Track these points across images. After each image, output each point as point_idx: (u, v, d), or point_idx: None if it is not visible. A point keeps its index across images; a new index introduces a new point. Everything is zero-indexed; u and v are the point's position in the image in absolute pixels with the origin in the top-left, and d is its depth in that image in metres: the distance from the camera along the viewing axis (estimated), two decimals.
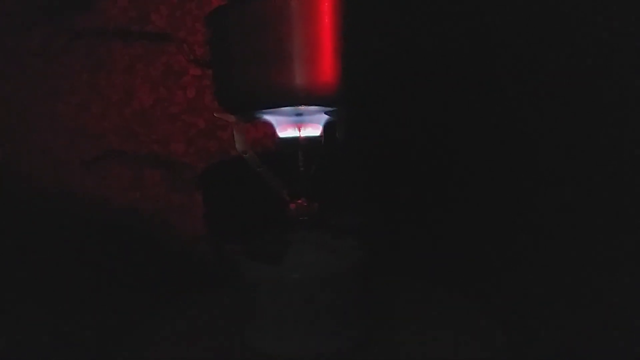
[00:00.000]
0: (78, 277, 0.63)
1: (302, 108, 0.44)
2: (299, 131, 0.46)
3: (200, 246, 0.70)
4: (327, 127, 0.47)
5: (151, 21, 0.66)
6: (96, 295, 0.61)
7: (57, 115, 0.66)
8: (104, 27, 0.65)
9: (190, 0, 0.66)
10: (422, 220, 0.60)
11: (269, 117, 0.46)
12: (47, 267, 0.62)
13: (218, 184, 0.70)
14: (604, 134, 0.51)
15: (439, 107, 0.59)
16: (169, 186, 0.70)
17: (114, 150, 0.68)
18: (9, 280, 0.59)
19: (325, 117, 0.46)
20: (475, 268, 0.57)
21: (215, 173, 0.70)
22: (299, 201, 0.46)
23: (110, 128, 0.67)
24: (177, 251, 0.70)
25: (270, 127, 0.48)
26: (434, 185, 0.61)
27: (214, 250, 0.70)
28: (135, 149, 0.68)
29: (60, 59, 0.65)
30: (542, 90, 0.55)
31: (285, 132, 0.46)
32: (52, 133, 0.66)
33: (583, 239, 0.52)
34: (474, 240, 0.59)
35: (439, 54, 0.57)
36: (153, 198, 0.69)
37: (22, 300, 0.58)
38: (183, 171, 0.70)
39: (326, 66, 0.42)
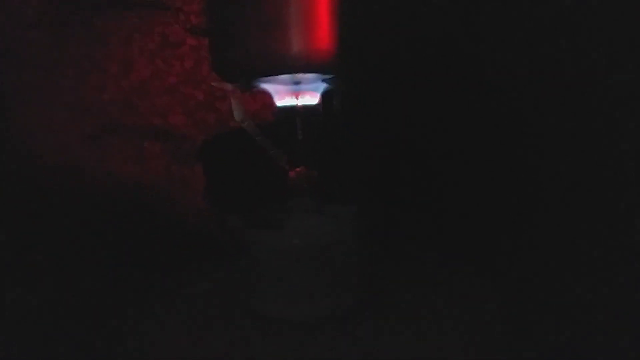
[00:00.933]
0: (79, 251, 0.64)
1: (300, 76, 0.44)
2: (297, 99, 0.46)
3: (203, 218, 0.71)
4: (325, 95, 0.47)
5: None
6: (98, 269, 0.62)
7: (55, 89, 0.66)
8: None
9: None
10: (424, 195, 0.61)
11: (266, 86, 0.46)
12: (48, 241, 0.63)
13: (218, 156, 0.70)
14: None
15: (440, 83, 0.59)
16: (170, 159, 0.70)
17: (113, 124, 0.68)
18: (11, 254, 0.60)
19: (324, 85, 0.46)
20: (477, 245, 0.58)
21: (214, 145, 0.70)
22: (298, 169, 0.47)
23: (109, 101, 0.67)
24: (179, 223, 0.70)
25: (268, 99, 0.48)
26: (436, 160, 0.61)
27: (216, 222, 0.70)
28: (134, 122, 0.68)
29: (56, 31, 0.65)
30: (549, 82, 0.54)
31: (283, 100, 0.47)
32: (50, 106, 0.66)
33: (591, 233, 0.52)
34: (477, 216, 0.59)
35: (442, 27, 0.57)
36: (153, 171, 0.69)
37: (23, 273, 0.59)
38: (183, 143, 0.70)
39: (323, 33, 0.42)
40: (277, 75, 0.43)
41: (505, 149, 0.57)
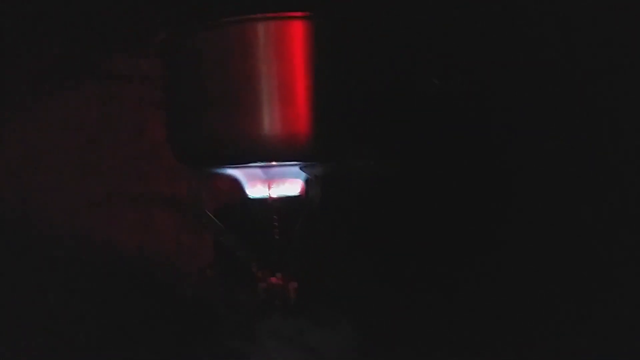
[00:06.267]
0: (83, 322, 0.60)
1: (274, 162, 0.35)
2: (269, 190, 0.37)
3: (210, 291, 0.64)
4: (309, 182, 0.38)
5: None
6: (102, 342, 0.57)
7: (65, 152, 0.64)
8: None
9: None
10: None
11: (234, 172, 0.37)
12: (51, 310, 0.59)
13: (229, 225, 0.64)
14: None
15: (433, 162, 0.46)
16: (178, 227, 0.65)
17: (122, 190, 0.64)
18: (12, 323, 0.57)
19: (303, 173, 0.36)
20: None
21: (225, 213, 0.64)
22: (273, 279, 0.37)
23: (119, 166, 0.64)
24: (185, 296, 0.64)
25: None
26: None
27: (224, 296, 0.64)
28: (143, 189, 0.64)
29: (70, 94, 0.63)
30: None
31: (256, 189, 0.38)
32: (59, 170, 0.64)
33: None
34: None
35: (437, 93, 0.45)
36: (161, 240, 0.65)
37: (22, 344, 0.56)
38: (192, 212, 0.65)
39: (301, 112, 0.33)
40: (245, 164, 0.35)
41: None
